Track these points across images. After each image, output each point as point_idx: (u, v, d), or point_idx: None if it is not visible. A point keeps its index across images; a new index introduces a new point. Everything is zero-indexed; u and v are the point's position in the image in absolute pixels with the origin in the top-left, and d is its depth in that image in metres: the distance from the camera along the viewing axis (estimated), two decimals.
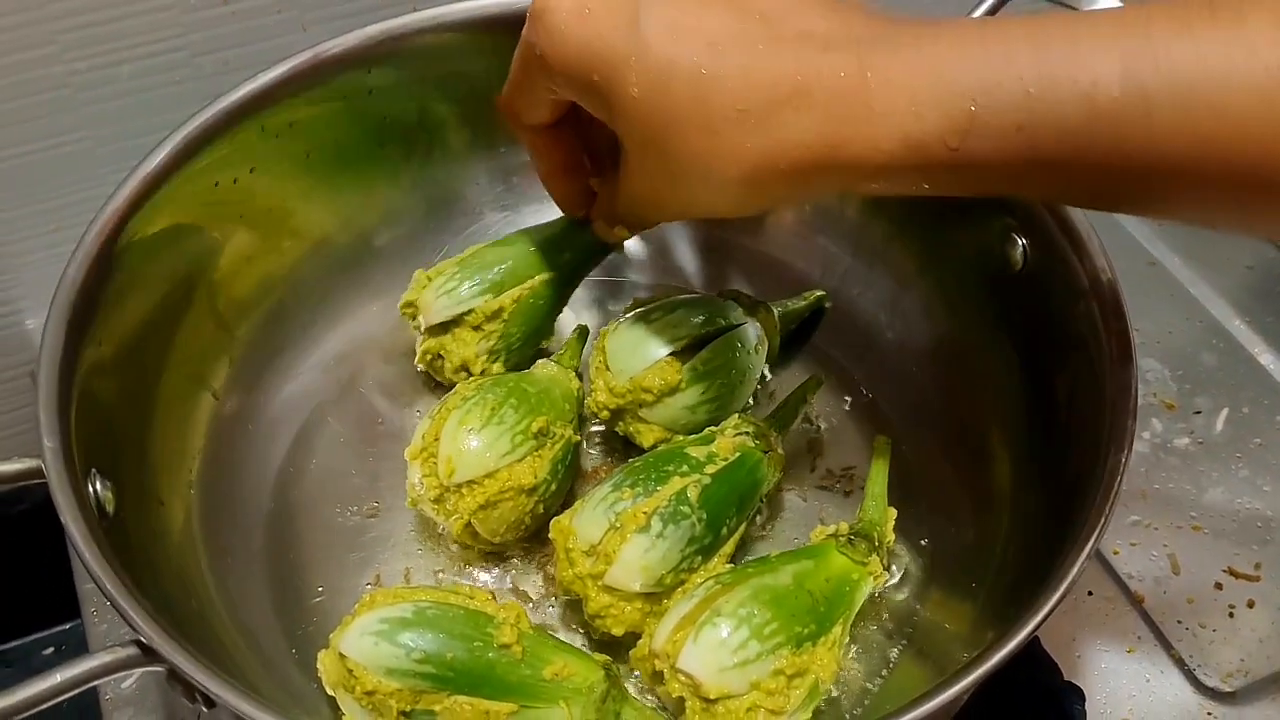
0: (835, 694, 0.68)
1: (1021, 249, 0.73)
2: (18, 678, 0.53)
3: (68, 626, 1.11)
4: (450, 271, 0.79)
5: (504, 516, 0.71)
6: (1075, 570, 0.58)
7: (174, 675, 0.55)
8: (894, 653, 0.71)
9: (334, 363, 0.83)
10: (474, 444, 0.70)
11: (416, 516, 0.75)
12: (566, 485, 0.75)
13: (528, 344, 0.80)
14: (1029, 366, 0.73)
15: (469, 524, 0.71)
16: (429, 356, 0.80)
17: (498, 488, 0.70)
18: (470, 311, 0.78)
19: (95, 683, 0.54)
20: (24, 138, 0.82)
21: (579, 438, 0.76)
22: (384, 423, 0.81)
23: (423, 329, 0.79)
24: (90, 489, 0.61)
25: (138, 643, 0.54)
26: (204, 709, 0.57)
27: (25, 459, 0.59)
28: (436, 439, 0.71)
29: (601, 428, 0.79)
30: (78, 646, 0.52)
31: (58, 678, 0.52)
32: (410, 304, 0.80)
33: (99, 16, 0.79)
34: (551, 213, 0.80)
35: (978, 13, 0.78)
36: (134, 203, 0.69)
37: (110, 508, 0.63)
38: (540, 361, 0.78)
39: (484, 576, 0.74)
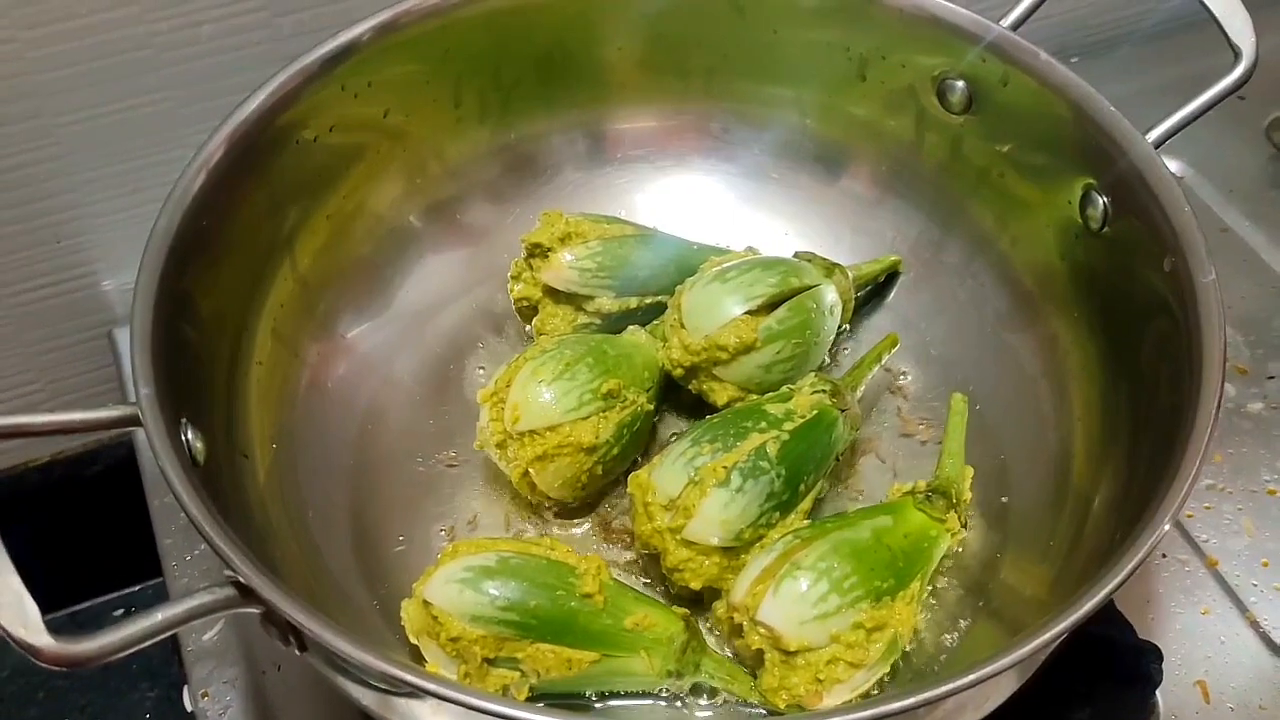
0: (912, 649, 0.68)
1: (1102, 207, 0.72)
2: None
3: (136, 589, 1.12)
4: (594, 248, 0.79)
5: (560, 471, 0.71)
6: (1157, 534, 0.57)
7: (269, 616, 0.56)
8: (970, 610, 0.71)
9: (412, 319, 0.83)
10: (541, 395, 0.71)
11: (491, 469, 0.76)
12: (633, 452, 0.75)
13: (617, 332, 0.80)
14: (1110, 325, 0.73)
15: (526, 474, 0.71)
16: (525, 303, 0.81)
17: (557, 441, 0.70)
18: (589, 299, 0.79)
19: (194, 622, 0.54)
20: (105, 98, 0.83)
21: (653, 406, 0.76)
22: (461, 378, 0.82)
23: (538, 277, 0.80)
24: (182, 438, 0.62)
25: (235, 583, 0.55)
26: (296, 651, 0.58)
27: (122, 406, 0.60)
28: (509, 385, 0.72)
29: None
30: (149, 608, 0.53)
31: (159, 616, 0.52)
32: (537, 245, 0.79)
33: None
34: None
35: (1015, 14, 0.77)
36: (220, 159, 0.69)
37: (200, 458, 0.64)
38: (631, 328, 0.78)
39: (560, 531, 0.75)
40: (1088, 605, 0.56)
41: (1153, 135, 0.70)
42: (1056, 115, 0.74)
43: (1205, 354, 0.62)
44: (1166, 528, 0.58)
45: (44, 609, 0.50)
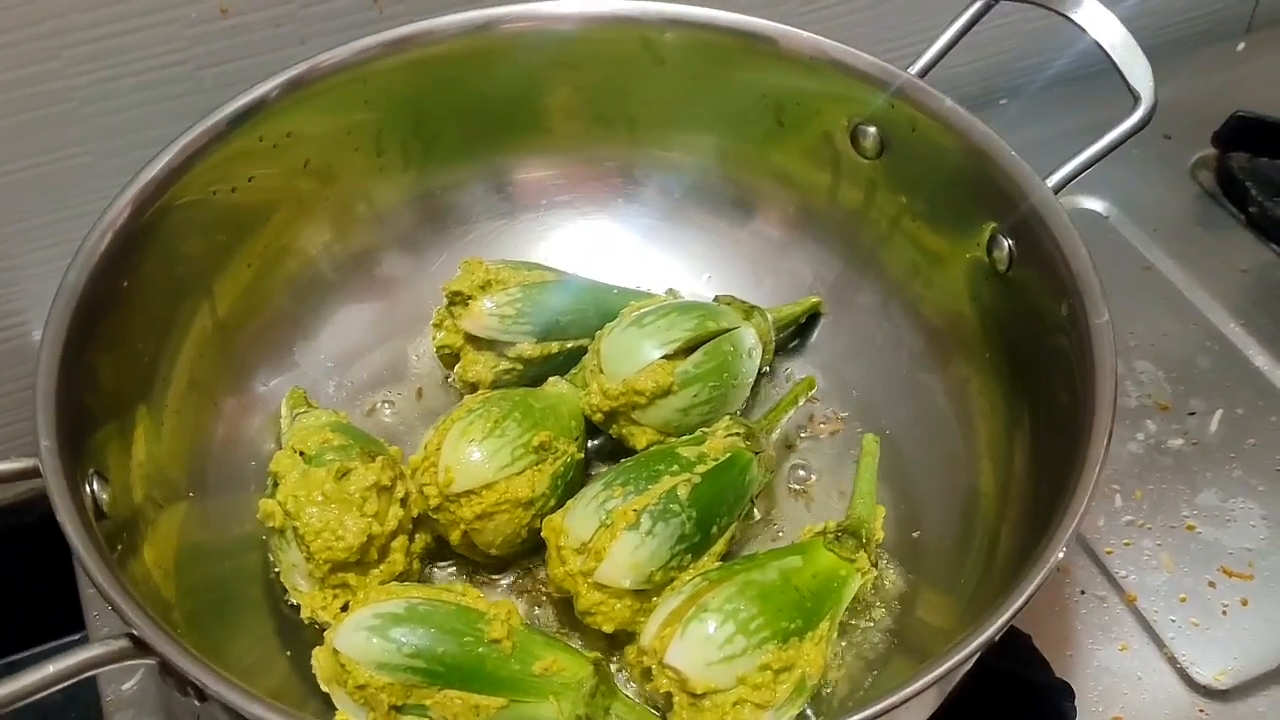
0: (825, 690, 0.69)
1: (1008, 250, 0.73)
2: None
3: (76, 638, 1.12)
4: (514, 294, 0.80)
5: (500, 528, 0.72)
6: (1053, 557, 0.58)
7: (166, 668, 0.56)
8: (884, 648, 0.71)
9: (333, 369, 0.84)
10: (474, 455, 0.71)
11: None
12: (567, 501, 0.76)
13: (536, 382, 0.80)
14: (1015, 367, 0.74)
15: (465, 534, 0.72)
16: (446, 351, 0.81)
17: (495, 499, 0.71)
18: (511, 345, 0.79)
19: (89, 674, 0.54)
20: (28, 151, 0.83)
21: (582, 455, 0.76)
22: (382, 429, 0.82)
23: (459, 325, 0.80)
24: (88, 489, 0.62)
25: (130, 635, 0.55)
26: (196, 702, 0.58)
27: (24, 458, 0.60)
28: (439, 448, 0.72)
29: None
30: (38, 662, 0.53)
31: (50, 669, 0.53)
32: (458, 293, 0.80)
33: (102, 31, 0.80)
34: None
35: (962, 19, 0.79)
36: (133, 211, 0.70)
37: (108, 509, 0.64)
38: (552, 379, 0.79)
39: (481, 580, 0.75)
40: (980, 638, 0.57)
41: (1054, 179, 0.72)
42: (961, 159, 0.75)
43: (1100, 389, 0.63)
44: (1061, 554, 0.59)
45: None
